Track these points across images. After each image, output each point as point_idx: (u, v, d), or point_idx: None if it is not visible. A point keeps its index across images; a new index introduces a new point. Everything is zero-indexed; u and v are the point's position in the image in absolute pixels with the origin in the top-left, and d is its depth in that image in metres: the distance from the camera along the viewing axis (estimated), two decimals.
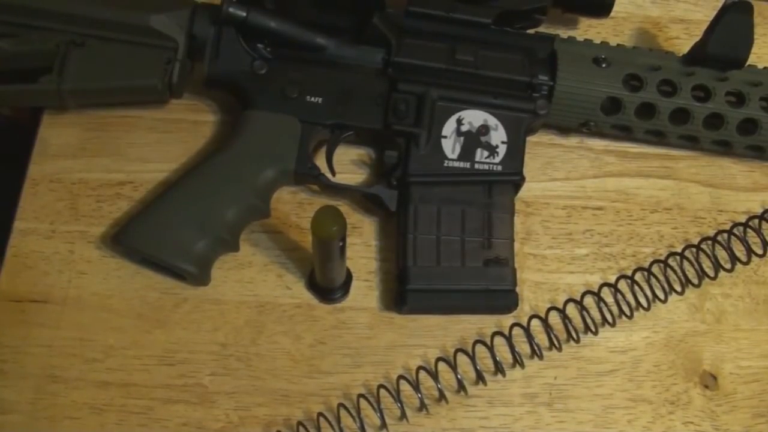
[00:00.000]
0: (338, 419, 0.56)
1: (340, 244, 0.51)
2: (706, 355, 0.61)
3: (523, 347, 0.58)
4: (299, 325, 0.60)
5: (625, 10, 0.73)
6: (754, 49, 0.61)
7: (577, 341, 0.60)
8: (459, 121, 0.61)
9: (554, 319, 0.59)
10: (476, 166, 0.61)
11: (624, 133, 0.65)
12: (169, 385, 0.58)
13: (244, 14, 0.60)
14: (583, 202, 0.66)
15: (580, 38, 0.65)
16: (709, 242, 0.63)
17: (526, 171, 0.62)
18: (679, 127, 0.63)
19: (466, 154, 0.61)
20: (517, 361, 0.58)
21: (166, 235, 0.58)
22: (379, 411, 0.56)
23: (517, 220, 0.62)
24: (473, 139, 0.61)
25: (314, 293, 0.61)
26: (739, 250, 0.63)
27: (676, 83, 0.62)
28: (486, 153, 0.61)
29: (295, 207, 0.64)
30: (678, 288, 0.62)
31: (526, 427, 0.58)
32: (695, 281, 0.63)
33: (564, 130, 0.67)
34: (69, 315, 0.59)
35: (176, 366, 0.59)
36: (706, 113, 0.62)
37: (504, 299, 0.59)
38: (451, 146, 0.61)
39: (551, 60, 0.63)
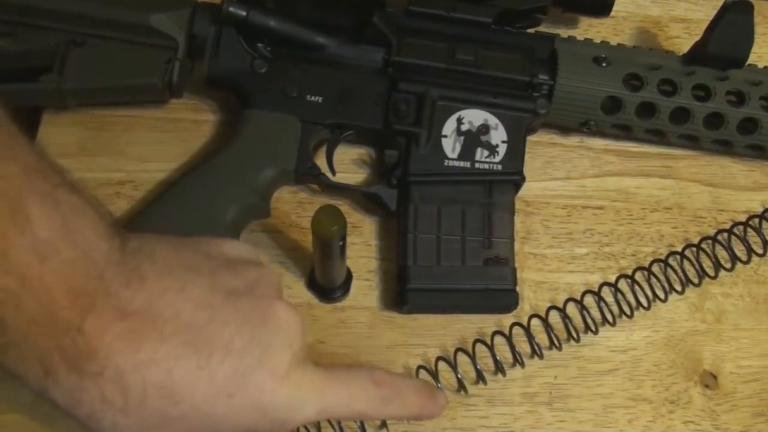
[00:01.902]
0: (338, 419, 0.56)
1: (341, 243, 0.51)
2: (707, 355, 0.61)
3: (524, 346, 0.58)
4: None
5: (626, 9, 0.73)
6: (755, 49, 0.61)
7: (578, 340, 0.60)
8: (459, 121, 0.61)
9: (554, 318, 0.59)
10: (476, 165, 0.61)
11: (624, 132, 0.65)
12: None
13: (245, 14, 0.60)
14: (583, 201, 0.66)
15: (580, 38, 0.65)
16: (710, 241, 0.63)
17: (526, 170, 0.62)
18: (679, 126, 0.63)
19: (467, 153, 0.61)
20: (518, 360, 0.58)
21: (165, 234, 0.58)
22: None
23: (518, 219, 0.62)
24: (473, 139, 0.61)
25: (314, 292, 0.61)
26: (740, 250, 0.63)
27: (677, 82, 0.62)
28: (486, 152, 0.61)
29: (295, 206, 0.64)
30: (678, 287, 0.62)
31: (526, 427, 0.58)
32: (695, 280, 0.63)
33: (564, 130, 0.67)
34: None
35: None
36: (706, 112, 0.62)
37: (504, 299, 0.59)
38: (451, 146, 0.61)
39: (551, 59, 0.63)
